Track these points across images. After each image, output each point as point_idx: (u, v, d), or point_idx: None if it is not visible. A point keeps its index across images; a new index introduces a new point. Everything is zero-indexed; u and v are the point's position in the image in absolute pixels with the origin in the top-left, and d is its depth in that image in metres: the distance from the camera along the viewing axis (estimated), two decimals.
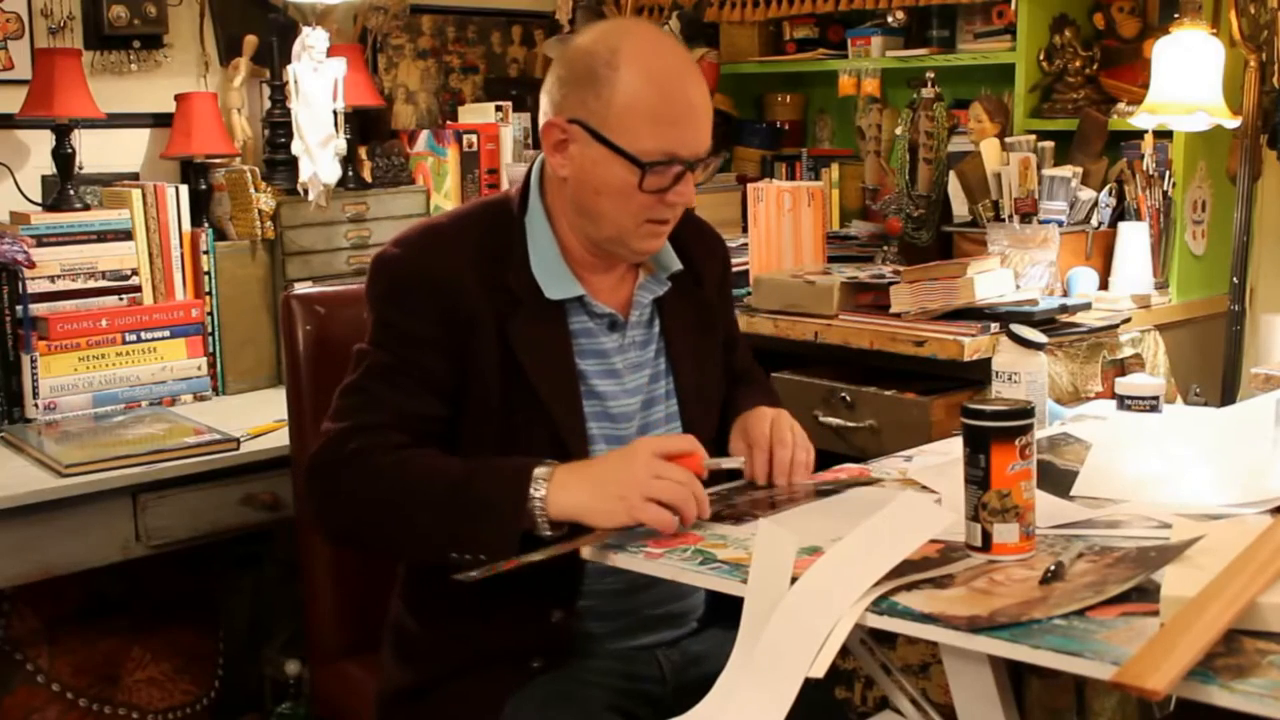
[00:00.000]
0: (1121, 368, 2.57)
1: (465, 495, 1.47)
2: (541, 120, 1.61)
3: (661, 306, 1.70)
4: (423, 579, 1.66)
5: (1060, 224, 2.76)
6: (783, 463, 1.63)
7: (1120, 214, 2.83)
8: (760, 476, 1.63)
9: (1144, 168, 2.77)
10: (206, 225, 2.81)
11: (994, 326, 2.42)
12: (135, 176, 2.96)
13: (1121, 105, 2.91)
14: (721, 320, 1.82)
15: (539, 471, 1.46)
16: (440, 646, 1.63)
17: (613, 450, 1.54)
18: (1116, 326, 2.59)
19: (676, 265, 1.71)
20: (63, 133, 2.68)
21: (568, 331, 1.62)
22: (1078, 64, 3.02)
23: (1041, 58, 3.04)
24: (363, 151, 3.16)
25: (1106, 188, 2.84)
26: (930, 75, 3.11)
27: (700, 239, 1.80)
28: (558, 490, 1.45)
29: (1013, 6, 3.04)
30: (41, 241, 2.53)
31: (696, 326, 1.74)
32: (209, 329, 2.74)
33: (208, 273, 2.75)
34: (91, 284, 2.60)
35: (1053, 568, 1.28)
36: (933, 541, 1.36)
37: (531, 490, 1.45)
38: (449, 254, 1.59)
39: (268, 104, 3.06)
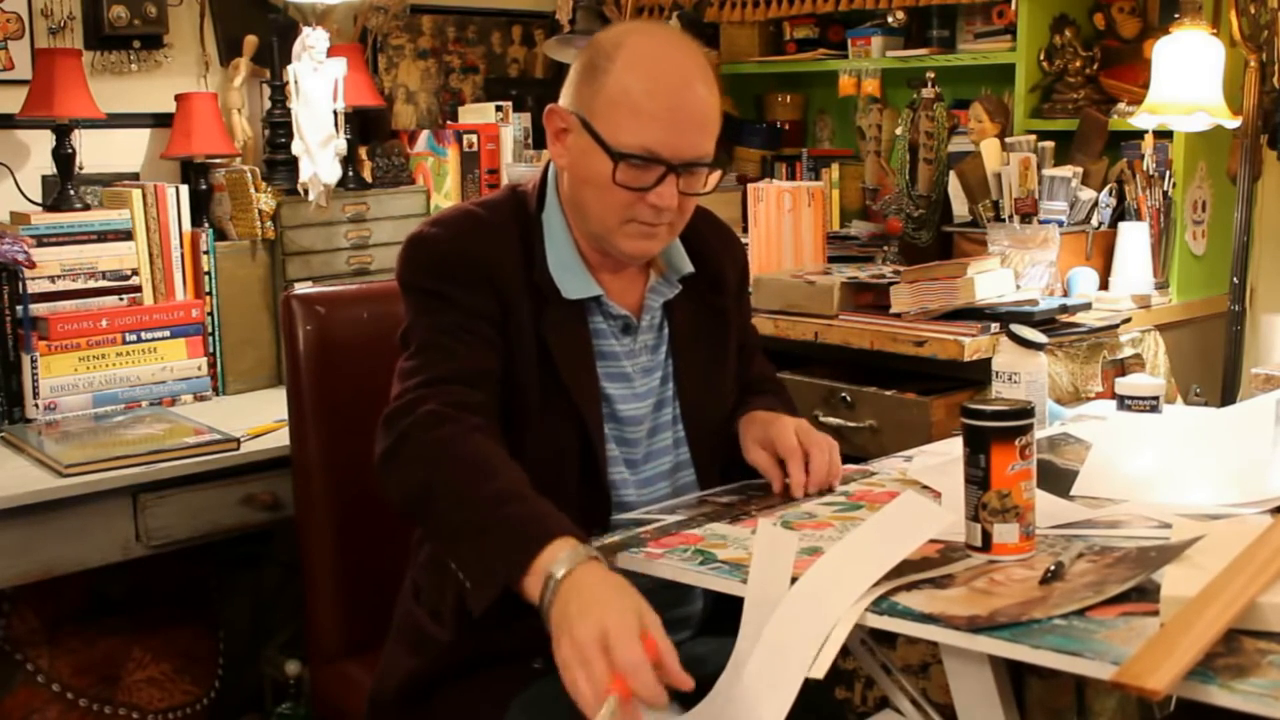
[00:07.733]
0: (1122, 368, 2.57)
1: (486, 522, 1.36)
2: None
3: (670, 309, 1.69)
4: (431, 572, 1.65)
5: (1060, 224, 2.76)
6: (820, 469, 1.61)
7: (1120, 214, 2.83)
8: (800, 489, 1.60)
9: (1144, 168, 2.77)
10: (207, 225, 2.81)
11: (994, 327, 2.42)
12: (135, 176, 2.96)
13: (1122, 105, 2.91)
14: (736, 325, 1.79)
15: (558, 560, 1.29)
16: (444, 641, 1.62)
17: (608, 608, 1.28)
18: (1116, 326, 2.59)
19: (688, 268, 1.69)
20: (63, 133, 2.67)
21: (589, 332, 1.61)
22: (1078, 64, 3.02)
23: (1042, 58, 3.04)
24: (363, 151, 3.16)
25: (1107, 188, 2.84)
26: (930, 75, 3.11)
27: (723, 241, 1.78)
28: (562, 600, 1.28)
29: (1013, 6, 3.04)
30: (42, 241, 2.53)
31: (705, 331, 1.72)
32: (209, 329, 2.74)
33: (208, 273, 2.75)
34: (92, 284, 2.60)
35: (1053, 568, 1.28)
36: (933, 541, 1.36)
37: (551, 570, 1.29)
38: (491, 240, 1.58)
39: (268, 104, 3.06)
